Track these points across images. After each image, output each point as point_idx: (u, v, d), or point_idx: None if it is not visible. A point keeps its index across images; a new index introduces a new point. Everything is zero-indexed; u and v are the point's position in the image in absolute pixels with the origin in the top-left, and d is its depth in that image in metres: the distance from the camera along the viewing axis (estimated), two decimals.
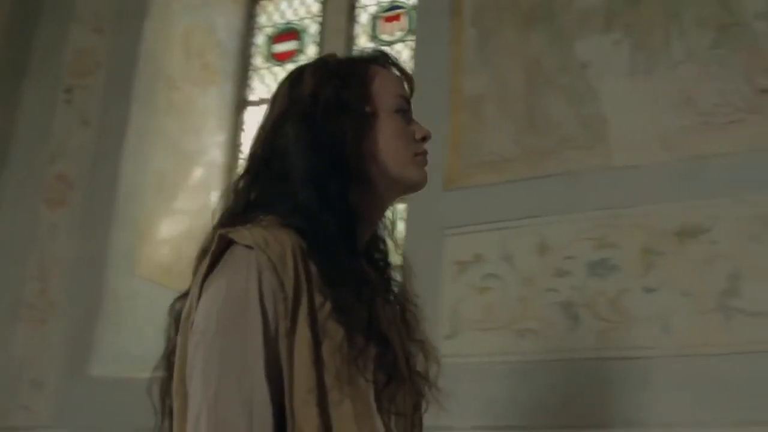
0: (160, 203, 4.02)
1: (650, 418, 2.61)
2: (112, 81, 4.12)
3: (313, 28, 4.48)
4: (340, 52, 4.15)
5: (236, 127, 4.46)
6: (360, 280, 1.41)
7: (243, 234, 1.36)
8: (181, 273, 3.88)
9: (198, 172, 4.23)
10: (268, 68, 4.55)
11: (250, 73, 4.56)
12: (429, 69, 3.33)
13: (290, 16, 4.57)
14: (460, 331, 2.97)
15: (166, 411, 1.48)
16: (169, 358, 1.48)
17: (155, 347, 3.79)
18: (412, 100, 1.62)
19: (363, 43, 4.28)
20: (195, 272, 1.45)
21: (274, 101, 1.57)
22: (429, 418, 2.88)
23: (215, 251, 1.37)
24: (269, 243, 1.33)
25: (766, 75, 2.80)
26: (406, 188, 1.57)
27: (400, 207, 3.43)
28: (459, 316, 2.99)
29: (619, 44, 3.04)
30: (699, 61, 2.90)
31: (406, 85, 1.60)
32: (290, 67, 4.39)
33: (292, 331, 1.31)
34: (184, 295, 1.47)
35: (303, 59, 4.42)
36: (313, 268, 1.36)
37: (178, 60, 4.22)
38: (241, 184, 1.54)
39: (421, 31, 3.61)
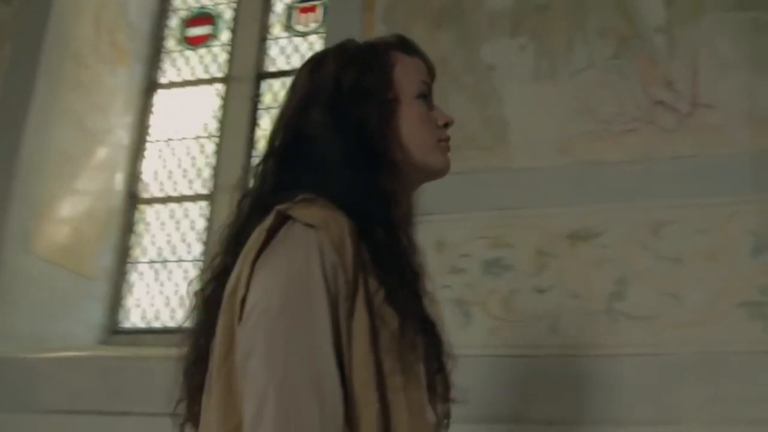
0: (61, 181, 3.92)
1: (538, 414, 2.68)
2: (18, 53, 4.00)
3: (228, 14, 4.46)
4: (254, 39, 4.20)
5: (145, 109, 4.40)
6: (410, 266, 1.39)
7: (304, 212, 1.31)
8: (80, 254, 3.89)
9: (102, 153, 4.15)
10: (180, 51, 4.50)
11: (162, 55, 4.50)
12: None
13: (205, 0, 4.53)
14: None
15: (192, 390, 1.43)
16: (198, 338, 1.43)
17: (49, 327, 3.74)
18: None
19: (277, 32, 4.28)
20: (226, 244, 1.43)
21: (295, 85, 1.55)
22: None
23: (272, 227, 1.31)
24: (329, 223, 1.30)
25: (662, 87, 2.89)
26: (429, 174, 1.55)
27: None
28: None
29: (525, 49, 3.10)
30: (599, 69, 2.99)
31: (426, 71, 1.58)
32: (203, 51, 4.43)
33: (350, 314, 1.27)
34: (218, 274, 1.43)
35: (216, 45, 4.40)
36: (365, 253, 1.32)
37: (87, 36, 4.13)
38: (265, 167, 1.49)
39: (332, 24, 3.63)
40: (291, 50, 4.21)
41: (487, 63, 3.12)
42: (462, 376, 2.79)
